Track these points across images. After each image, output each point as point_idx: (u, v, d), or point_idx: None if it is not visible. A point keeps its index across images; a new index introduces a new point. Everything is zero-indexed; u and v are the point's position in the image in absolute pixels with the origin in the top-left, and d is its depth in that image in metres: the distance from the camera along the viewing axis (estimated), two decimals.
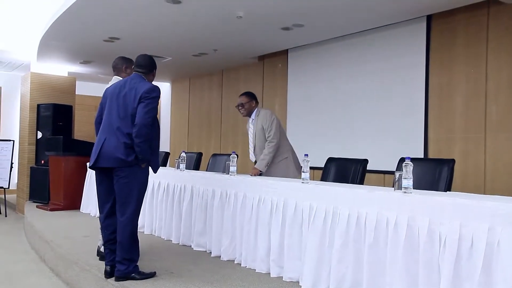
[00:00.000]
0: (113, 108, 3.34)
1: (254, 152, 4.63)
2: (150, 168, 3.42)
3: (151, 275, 3.35)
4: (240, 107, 4.61)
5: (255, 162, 4.61)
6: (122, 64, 3.99)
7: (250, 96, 4.61)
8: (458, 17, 5.13)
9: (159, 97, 3.35)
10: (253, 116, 4.61)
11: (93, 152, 3.33)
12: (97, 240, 4.03)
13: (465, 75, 5.08)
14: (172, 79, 10.40)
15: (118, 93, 3.34)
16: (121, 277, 3.25)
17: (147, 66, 3.47)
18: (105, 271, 3.36)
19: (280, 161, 4.48)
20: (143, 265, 3.50)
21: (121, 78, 3.82)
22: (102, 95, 3.55)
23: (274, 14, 5.37)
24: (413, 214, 2.54)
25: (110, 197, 3.37)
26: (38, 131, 8.37)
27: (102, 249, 3.75)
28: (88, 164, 3.86)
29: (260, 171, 4.37)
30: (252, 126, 4.63)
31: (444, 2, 4.88)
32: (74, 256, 4.01)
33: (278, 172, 4.42)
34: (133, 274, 3.26)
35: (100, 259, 3.80)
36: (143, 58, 3.50)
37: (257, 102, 4.65)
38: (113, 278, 3.29)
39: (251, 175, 4.21)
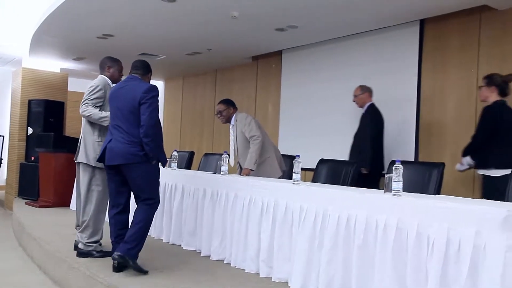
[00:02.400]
0: (115, 108, 3.52)
1: (237, 156, 4.68)
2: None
3: (144, 272, 3.35)
4: (218, 115, 4.75)
5: (235, 166, 4.69)
6: (105, 64, 4.10)
7: (227, 103, 4.73)
8: (451, 22, 5.17)
9: (158, 95, 3.52)
10: (232, 121, 4.72)
11: (101, 151, 3.53)
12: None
13: (457, 79, 5.12)
14: (165, 77, 10.38)
15: (118, 95, 3.54)
16: (121, 256, 3.31)
17: (143, 68, 3.68)
18: (114, 266, 3.40)
19: (264, 160, 4.54)
20: None
21: (105, 77, 4.03)
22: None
23: (269, 15, 5.38)
24: (403, 217, 2.56)
25: (121, 195, 3.56)
26: (28, 127, 8.31)
27: (79, 245, 3.90)
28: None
29: (251, 169, 4.39)
30: (232, 132, 4.73)
31: (437, 7, 4.92)
32: (63, 254, 3.99)
33: (262, 171, 4.48)
34: (132, 258, 3.33)
35: (75, 249, 3.95)
36: (139, 61, 3.73)
37: (235, 108, 4.75)
38: (105, 276, 3.28)
39: (242, 175, 4.22)
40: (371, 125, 4.95)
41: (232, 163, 4.70)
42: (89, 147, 3.89)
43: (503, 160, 3.83)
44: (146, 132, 3.35)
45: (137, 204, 3.50)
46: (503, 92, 4.04)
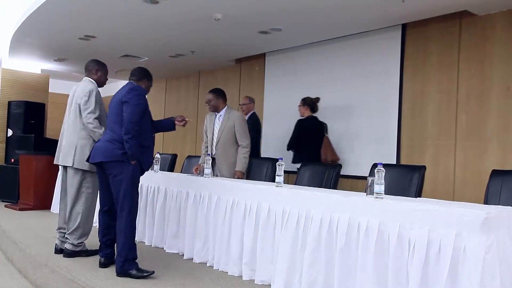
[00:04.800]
0: (110, 114, 3.61)
1: (215, 147, 4.73)
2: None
3: (149, 273, 3.37)
4: (207, 103, 4.83)
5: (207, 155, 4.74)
6: (93, 67, 4.12)
7: (216, 93, 4.77)
8: (432, 27, 5.25)
9: (141, 94, 3.55)
10: (221, 113, 4.76)
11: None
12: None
13: (437, 83, 5.19)
14: None
15: (112, 100, 3.60)
16: (119, 273, 3.36)
17: (138, 74, 3.74)
18: (100, 262, 3.57)
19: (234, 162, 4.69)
20: (112, 265, 3.48)
21: (91, 80, 4.05)
22: None
23: (252, 18, 5.39)
24: (384, 219, 2.58)
25: (108, 194, 3.55)
26: (8, 129, 8.17)
27: (67, 246, 3.91)
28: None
29: (243, 172, 4.60)
30: (218, 122, 4.77)
31: (418, 12, 4.99)
32: (43, 257, 3.93)
33: (231, 170, 4.62)
34: (128, 272, 3.34)
35: (56, 252, 4.01)
36: (136, 68, 3.81)
37: (224, 100, 4.80)
38: (86, 279, 3.24)
39: (236, 177, 4.41)
40: (252, 130, 5.69)
41: (204, 151, 4.81)
42: (77, 150, 3.88)
43: (306, 156, 5.32)
44: (126, 129, 3.36)
45: (117, 210, 3.45)
46: (313, 110, 5.72)
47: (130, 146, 3.36)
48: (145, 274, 3.34)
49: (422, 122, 5.29)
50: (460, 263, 2.25)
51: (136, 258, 3.42)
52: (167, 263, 3.81)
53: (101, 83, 4.12)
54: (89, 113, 3.87)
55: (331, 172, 4.21)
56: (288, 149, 5.71)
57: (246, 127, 4.73)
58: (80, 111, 3.92)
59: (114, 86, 11.19)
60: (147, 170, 3.63)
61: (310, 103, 5.71)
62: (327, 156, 5.63)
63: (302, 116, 5.74)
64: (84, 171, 3.89)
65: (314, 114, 5.74)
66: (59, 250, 4.01)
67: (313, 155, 5.48)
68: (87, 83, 4.02)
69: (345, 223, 2.75)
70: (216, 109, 4.78)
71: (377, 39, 5.73)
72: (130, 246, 3.40)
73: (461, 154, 4.94)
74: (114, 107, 3.53)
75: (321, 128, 5.79)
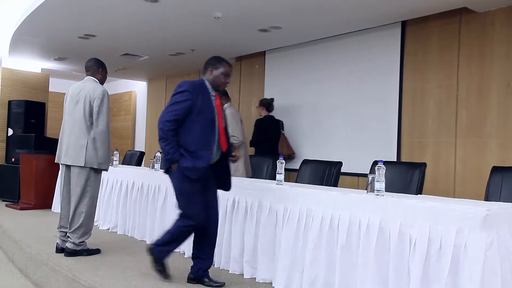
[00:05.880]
0: None
1: None
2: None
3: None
4: None
5: None
6: (98, 66, 4.10)
7: None
8: (432, 24, 5.24)
9: (186, 91, 3.19)
10: None
11: None
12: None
13: (437, 80, 5.19)
14: (148, 78, 10.31)
15: None
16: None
17: (203, 66, 3.43)
18: (188, 277, 3.34)
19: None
20: (114, 264, 3.48)
21: (95, 79, 4.02)
22: None
23: (252, 16, 5.39)
24: (385, 217, 2.59)
25: None
26: (9, 128, 8.17)
27: (69, 245, 3.90)
28: None
29: None
30: None
31: (418, 9, 4.98)
32: (44, 257, 3.93)
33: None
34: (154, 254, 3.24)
35: (57, 251, 4.01)
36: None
37: (223, 98, 4.92)
38: (87, 278, 3.26)
39: None
40: None
41: None
42: (88, 149, 3.85)
43: (266, 152, 5.83)
44: (158, 129, 3.10)
45: None
46: (268, 109, 6.25)
47: (162, 148, 3.06)
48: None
49: (422, 119, 5.29)
50: (461, 260, 2.25)
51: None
52: (169, 261, 3.80)
53: (103, 82, 4.12)
54: (103, 119, 3.87)
55: (331, 170, 4.21)
56: (250, 146, 6.21)
57: (236, 123, 4.84)
58: (89, 109, 3.87)
59: (114, 85, 11.21)
60: (194, 177, 3.04)
61: (266, 104, 6.24)
62: (284, 151, 6.17)
63: (260, 116, 6.29)
64: (89, 170, 3.87)
65: (271, 113, 6.28)
66: (60, 249, 4.01)
67: (272, 150, 5.96)
68: (96, 84, 4.00)
69: (346, 221, 2.76)
70: None
71: (377, 37, 5.73)
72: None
73: (462, 150, 4.94)
74: None
75: (278, 125, 6.33)
